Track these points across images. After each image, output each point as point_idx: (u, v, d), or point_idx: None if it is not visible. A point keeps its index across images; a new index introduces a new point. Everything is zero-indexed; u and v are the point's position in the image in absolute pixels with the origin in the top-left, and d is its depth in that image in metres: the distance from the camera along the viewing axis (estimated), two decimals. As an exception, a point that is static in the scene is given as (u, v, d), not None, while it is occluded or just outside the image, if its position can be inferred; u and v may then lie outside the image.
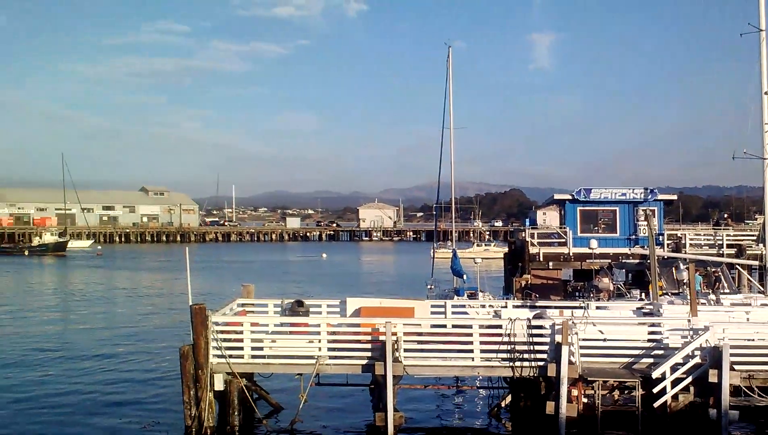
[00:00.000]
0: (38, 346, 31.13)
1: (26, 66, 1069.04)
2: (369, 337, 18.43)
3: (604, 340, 18.43)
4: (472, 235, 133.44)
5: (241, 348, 18.58)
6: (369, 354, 18.26)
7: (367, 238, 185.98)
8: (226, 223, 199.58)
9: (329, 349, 18.42)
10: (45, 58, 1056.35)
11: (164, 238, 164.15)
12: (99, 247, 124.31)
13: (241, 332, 18.73)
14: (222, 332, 18.51)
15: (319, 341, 18.49)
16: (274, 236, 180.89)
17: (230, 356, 18.35)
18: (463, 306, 23.67)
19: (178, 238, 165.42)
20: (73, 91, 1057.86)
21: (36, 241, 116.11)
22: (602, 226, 36.13)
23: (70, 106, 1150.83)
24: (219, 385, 18.35)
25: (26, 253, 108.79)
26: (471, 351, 18.18)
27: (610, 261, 33.61)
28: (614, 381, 17.87)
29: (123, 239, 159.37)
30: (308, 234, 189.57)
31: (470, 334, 18.31)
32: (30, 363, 27.58)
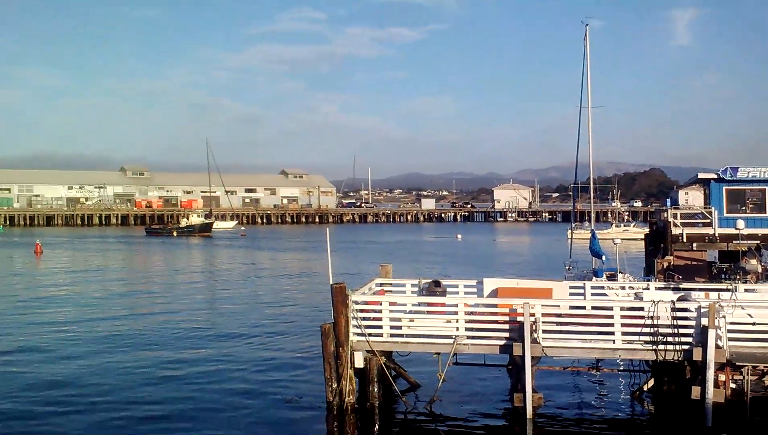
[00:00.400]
0: (188, 325, 32.49)
1: (175, 56, 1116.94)
2: (507, 318, 18.39)
3: (753, 323, 17.68)
4: (610, 215, 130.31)
5: (380, 327, 18.91)
6: (507, 335, 18.21)
7: (501, 219, 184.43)
8: (362, 205, 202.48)
9: (467, 329, 18.49)
10: (192, 49, 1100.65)
11: (303, 220, 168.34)
12: (242, 228, 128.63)
13: (380, 311, 19.06)
14: (361, 311, 18.89)
15: (457, 321, 18.59)
16: (409, 217, 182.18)
17: (369, 335, 18.72)
18: (602, 287, 23.23)
19: (317, 220, 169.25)
20: (217, 79, 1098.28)
21: (183, 223, 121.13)
22: (750, 206, 34.55)
23: (214, 94, 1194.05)
24: (359, 363, 18.77)
25: (175, 233, 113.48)
26: (612, 333, 17.85)
27: (758, 242, 32.12)
28: (764, 366, 17.16)
29: (264, 220, 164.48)
30: (443, 215, 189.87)
31: (611, 316, 17.97)
32: (181, 340, 28.83)
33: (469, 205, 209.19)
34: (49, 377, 22.35)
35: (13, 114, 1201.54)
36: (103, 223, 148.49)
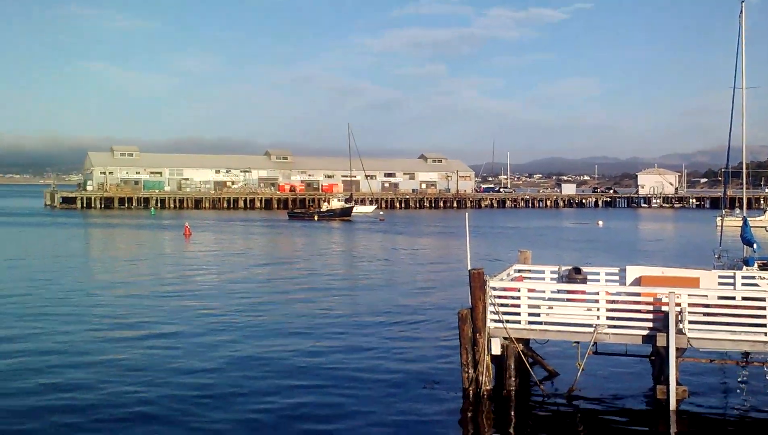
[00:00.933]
0: (327, 311, 33.08)
1: (319, 41, 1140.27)
2: (650, 307, 17.81)
3: None
4: (763, 201, 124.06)
5: (518, 314, 18.70)
6: (650, 324, 17.63)
7: (645, 205, 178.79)
8: (501, 190, 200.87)
9: (608, 318, 18.03)
10: (336, 34, 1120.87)
11: (441, 204, 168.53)
12: (381, 213, 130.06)
13: (518, 298, 18.84)
14: (499, 297, 18.72)
15: (598, 309, 18.15)
16: (548, 202, 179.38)
17: (507, 321, 18.54)
18: (754, 277, 22.11)
19: (455, 204, 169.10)
20: (360, 64, 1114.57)
21: (324, 207, 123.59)
22: None
23: (357, 78, 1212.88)
24: (496, 350, 18.63)
25: (316, 217, 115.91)
26: (763, 326, 16.98)
27: None
28: None
29: (403, 205, 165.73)
30: (583, 200, 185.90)
31: (763, 307, 17.09)
32: (320, 327, 29.36)
33: (611, 191, 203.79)
34: (192, 364, 23.08)
35: (167, 99, 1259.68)
36: (248, 206, 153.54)
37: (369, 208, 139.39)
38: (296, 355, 23.56)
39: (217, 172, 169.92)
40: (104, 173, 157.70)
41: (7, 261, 51.32)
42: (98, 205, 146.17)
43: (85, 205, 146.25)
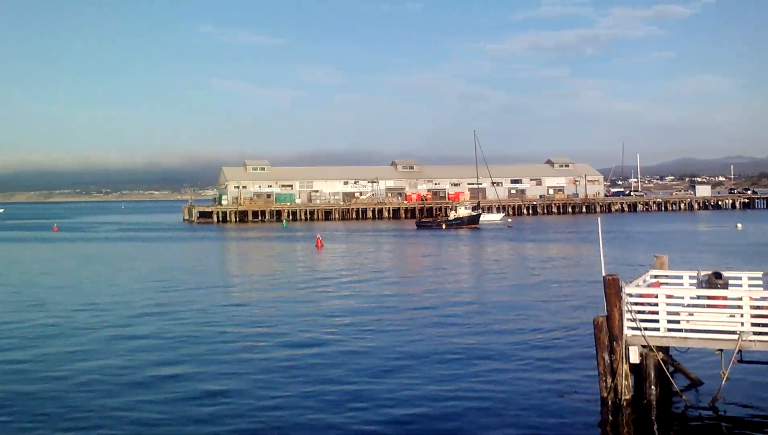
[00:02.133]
0: (456, 319, 33.26)
1: (441, 49, 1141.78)
2: (799, 313, 17.14)
3: None
4: None
5: (657, 320, 18.32)
6: (799, 331, 16.98)
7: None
8: (631, 193, 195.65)
9: (753, 325, 17.44)
10: (457, 40, 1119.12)
11: (570, 210, 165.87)
12: (509, 220, 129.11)
13: (656, 304, 18.46)
14: (636, 304, 18.41)
15: (742, 316, 17.59)
16: (682, 205, 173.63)
17: (645, 329, 18.20)
18: None
19: (584, 209, 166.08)
20: (481, 70, 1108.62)
21: (452, 215, 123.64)
22: None
23: (480, 85, 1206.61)
24: (634, 358, 18.31)
25: (444, 226, 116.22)
26: None
27: None
28: None
29: (530, 211, 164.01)
30: (719, 202, 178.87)
31: None
32: (449, 335, 29.58)
33: (749, 192, 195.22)
34: (328, 372, 23.66)
35: (295, 113, 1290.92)
36: (376, 216, 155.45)
37: (497, 216, 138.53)
38: (429, 363, 23.82)
39: (346, 183, 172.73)
40: (238, 187, 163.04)
41: (159, 272, 53.88)
42: (233, 219, 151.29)
43: (221, 220, 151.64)
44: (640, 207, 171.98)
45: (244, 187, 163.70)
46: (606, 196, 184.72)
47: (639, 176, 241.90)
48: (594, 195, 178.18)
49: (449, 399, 19.77)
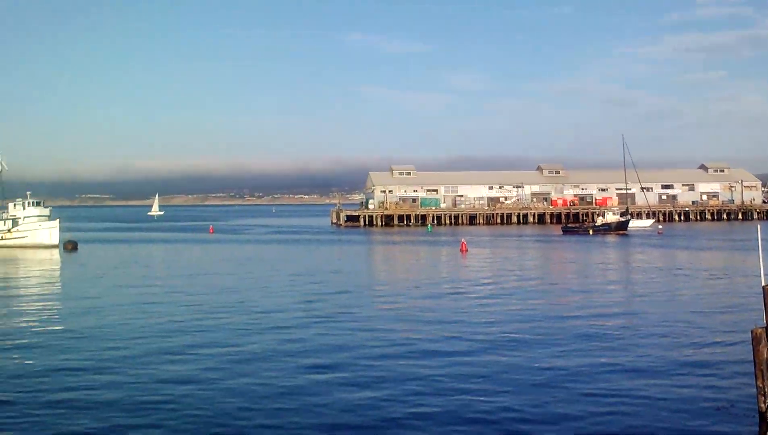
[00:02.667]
0: (606, 329, 32.92)
1: (589, 52, 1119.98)
2: None
3: None
4: None
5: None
6: None
7: None
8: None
9: None
10: (605, 43, 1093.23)
11: (724, 216, 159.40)
12: (660, 226, 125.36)
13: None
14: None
15: None
16: None
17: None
18: None
19: (740, 216, 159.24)
20: (632, 73, 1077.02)
21: (599, 221, 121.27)
22: None
23: (629, 88, 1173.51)
24: (795, 372, 17.80)
25: (591, 232, 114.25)
26: None
27: None
28: None
29: (682, 217, 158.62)
30: None
31: None
32: (599, 343, 29.38)
33: None
34: (475, 384, 23.99)
35: (440, 118, 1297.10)
36: (521, 221, 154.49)
37: (646, 222, 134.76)
38: (580, 377, 23.81)
39: (491, 188, 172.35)
40: (384, 192, 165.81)
41: (309, 275, 55.81)
42: (379, 223, 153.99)
43: (367, 223, 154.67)
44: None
45: (390, 191, 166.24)
46: (764, 202, 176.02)
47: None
48: (751, 201, 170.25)
49: (604, 414, 19.73)
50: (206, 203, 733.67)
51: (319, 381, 23.03)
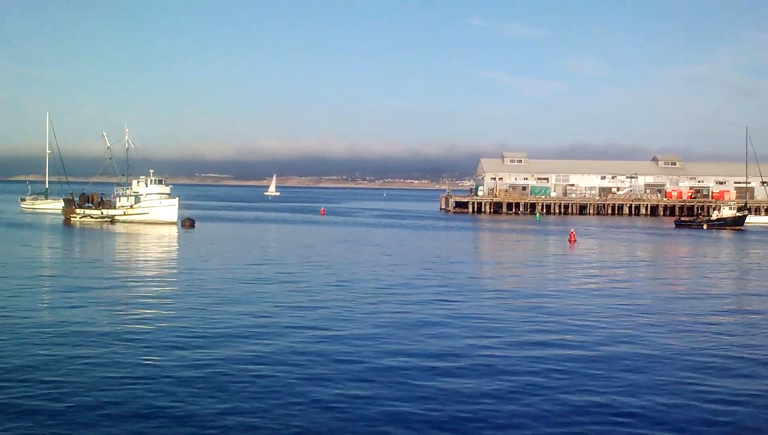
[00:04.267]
0: (713, 332, 32.85)
1: (714, 38, 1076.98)
2: None
3: None
4: None
5: None
6: None
7: None
8: None
9: None
10: (733, 29, 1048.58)
11: None
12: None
13: None
14: None
15: None
16: None
17: None
18: None
19: None
20: (760, 61, 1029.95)
21: (714, 215, 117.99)
22: None
23: (756, 76, 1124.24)
24: None
25: (705, 226, 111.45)
26: None
27: None
28: None
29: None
30: None
31: None
32: (705, 347, 29.43)
33: None
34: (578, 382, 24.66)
35: (555, 105, 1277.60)
36: (633, 213, 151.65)
37: (765, 218, 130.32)
38: (670, 371, 24.13)
39: (603, 177, 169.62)
40: (494, 179, 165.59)
41: (417, 261, 57.12)
42: (488, 210, 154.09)
43: (475, 210, 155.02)
44: None
45: (500, 178, 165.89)
46: None
47: None
48: None
49: (730, 414, 20.09)
50: (320, 185, 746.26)
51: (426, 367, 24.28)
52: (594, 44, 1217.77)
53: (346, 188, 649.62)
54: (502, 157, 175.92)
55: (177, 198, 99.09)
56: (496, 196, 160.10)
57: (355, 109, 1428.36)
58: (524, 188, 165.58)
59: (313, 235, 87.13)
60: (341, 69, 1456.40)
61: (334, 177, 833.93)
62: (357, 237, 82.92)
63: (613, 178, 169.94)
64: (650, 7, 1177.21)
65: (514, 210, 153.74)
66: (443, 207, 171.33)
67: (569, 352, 25.45)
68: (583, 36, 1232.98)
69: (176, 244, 70.33)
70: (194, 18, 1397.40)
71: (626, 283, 45.63)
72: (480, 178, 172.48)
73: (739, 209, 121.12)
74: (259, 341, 26.37)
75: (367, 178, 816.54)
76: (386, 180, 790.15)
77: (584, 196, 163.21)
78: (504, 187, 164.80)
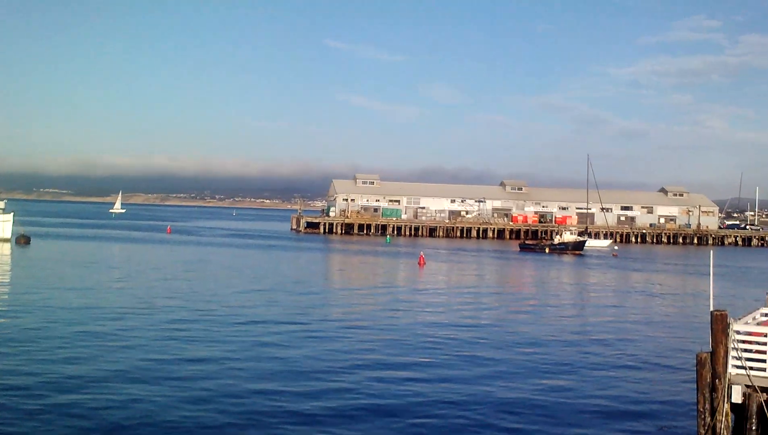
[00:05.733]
0: (554, 349, 32.81)
1: (563, 70, 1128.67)
2: None
3: None
4: None
5: (764, 361, 17.67)
6: None
7: None
8: (747, 227, 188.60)
9: None
10: (579, 63, 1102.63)
11: (681, 240, 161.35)
12: (615, 248, 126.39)
13: (765, 344, 17.80)
14: (743, 342, 17.79)
15: None
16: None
17: (750, 368, 17.57)
18: None
19: (695, 241, 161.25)
20: (603, 94, 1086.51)
21: (557, 239, 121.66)
22: None
23: (599, 108, 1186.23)
24: (737, 397, 17.67)
25: (547, 250, 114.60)
26: None
27: None
28: None
29: (639, 240, 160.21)
30: None
31: None
32: (547, 361, 29.23)
33: None
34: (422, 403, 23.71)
35: (411, 129, 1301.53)
36: (481, 236, 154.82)
37: (603, 243, 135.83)
38: (521, 391, 23.63)
39: (453, 201, 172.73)
40: (346, 200, 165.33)
41: (259, 280, 55.21)
42: (339, 231, 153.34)
43: (327, 231, 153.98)
44: (755, 241, 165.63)
45: (352, 199, 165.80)
46: (720, 228, 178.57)
47: (756, 209, 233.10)
48: (707, 226, 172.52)
49: (533, 422, 19.57)
50: (167, 203, 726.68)
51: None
52: (448, 71, 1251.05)
53: (194, 206, 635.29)
54: (355, 179, 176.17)
55: (12, 213, 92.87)
56: (347, 217, 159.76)
57: (208, 126, 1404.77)
58: (376, 210, 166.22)
59: (156, 254, 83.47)
60: (194, 86, 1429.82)
61: (182, 195, 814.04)
62: (201, 257, 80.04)
63: (462, 201, 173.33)
64: (503, 37, 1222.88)
65: (365, 231, 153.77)
66: (294, 227, 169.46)
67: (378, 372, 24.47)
68: (437, 63, 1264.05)
69: (9, 263, 65.49)
70: (36, 27, 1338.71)
71: (470, 308, 45.50)
72: (332, 198, 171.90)
73: (580, 234, 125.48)
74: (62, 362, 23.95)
75: (217, 197, 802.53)
76: (237, 199, 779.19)
77: (434, 218, 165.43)
78: (356, 208, 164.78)
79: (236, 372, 24.43)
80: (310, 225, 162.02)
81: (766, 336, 17.91)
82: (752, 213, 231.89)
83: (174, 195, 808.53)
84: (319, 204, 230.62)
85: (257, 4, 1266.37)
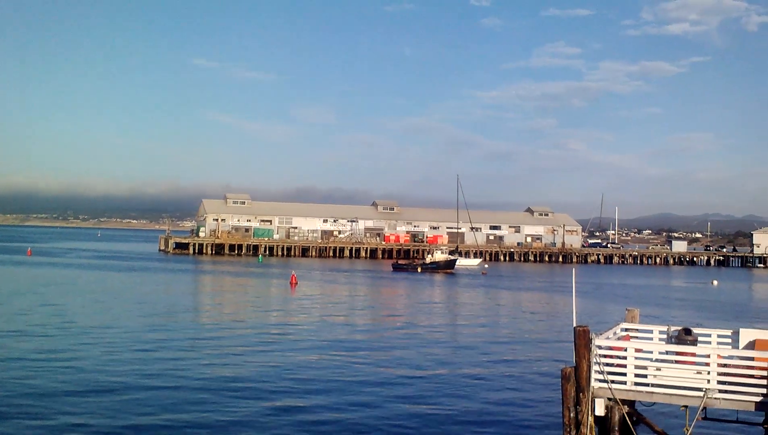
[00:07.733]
0: (424, 366, 33.02)
1: (432, 93, 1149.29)
2: (765, 373, 17.06)
3: None
4: None
5: (624, 374, 18.21)
6: (764, 391, 16.89)
7: (761, 265, 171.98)
8: (608, 245, 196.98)
9: (719, 383, 17.36)
10: (448, 86, 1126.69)
11: (546, 259, 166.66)
12: (486, 266, 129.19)
13: (625, 358, 18.36)
14: (605, 356, 18.30)
15: (708, 373, 17.50)
16: (658, 260, 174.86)
17: (612, 381, 18.09)
18: None
19: (560, 259, 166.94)
20: (470, 116, 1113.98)
21: (428, 259, 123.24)
22: None
23: (467, 131, 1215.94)
24: (600, 410, 18.13)
25: (419, 269, 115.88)
26: None
27: None
28: None
29: (507, 258, 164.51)
30: (695, 258, 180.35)
31: None
32: (417, 379, 29.36)
33: (724, 250, 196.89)
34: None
35: (283, 149, 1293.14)
36: (353, 256, 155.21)
37: (473, 261, 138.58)
38: (396, 405, 23.58)
39: (325, 221, 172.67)
40: (217, 220, 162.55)
41: (136, 305, 53.31)
42: (209, 252, 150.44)
43: (197, 251, 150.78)
44: (616, 259, 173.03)
45: (223, 220, 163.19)
46: (583, 246, 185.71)
47: (617, 228, 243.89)
48: (571, 245, 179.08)
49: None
50: (26, 224, 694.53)
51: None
52: (321, 92, 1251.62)
53: (56, 227, 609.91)
54: (226, 199, 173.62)
55: None
56: (218, 237, 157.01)
57: (72, 144, 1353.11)
58: (247, 230, 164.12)
59: (17, 276, 79.50)
60: (55, 102, 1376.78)
61: (43, 215, 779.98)
62: (63, 280, 76.73)
63: (335, 221, 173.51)
64: (372, 60, 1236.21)
65: (236, 251, 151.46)
66: (163, 248, 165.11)
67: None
68: (310, 83, 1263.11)
69: None
70: None
71: (343, 330, 45.33)
72: (202, 219, 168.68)
73: (451, 253, 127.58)
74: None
75: (81, 217, 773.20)
76: (102, 219, 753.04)
77: (307, 238, 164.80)
78: (227, 228, 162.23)
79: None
80: (179, 245, 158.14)
81: (626, 350, 18.49)
82: (613, 232, 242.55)
83: (34, 215, 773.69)
84: (189, 224, 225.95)
85: (125, 24, 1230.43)
